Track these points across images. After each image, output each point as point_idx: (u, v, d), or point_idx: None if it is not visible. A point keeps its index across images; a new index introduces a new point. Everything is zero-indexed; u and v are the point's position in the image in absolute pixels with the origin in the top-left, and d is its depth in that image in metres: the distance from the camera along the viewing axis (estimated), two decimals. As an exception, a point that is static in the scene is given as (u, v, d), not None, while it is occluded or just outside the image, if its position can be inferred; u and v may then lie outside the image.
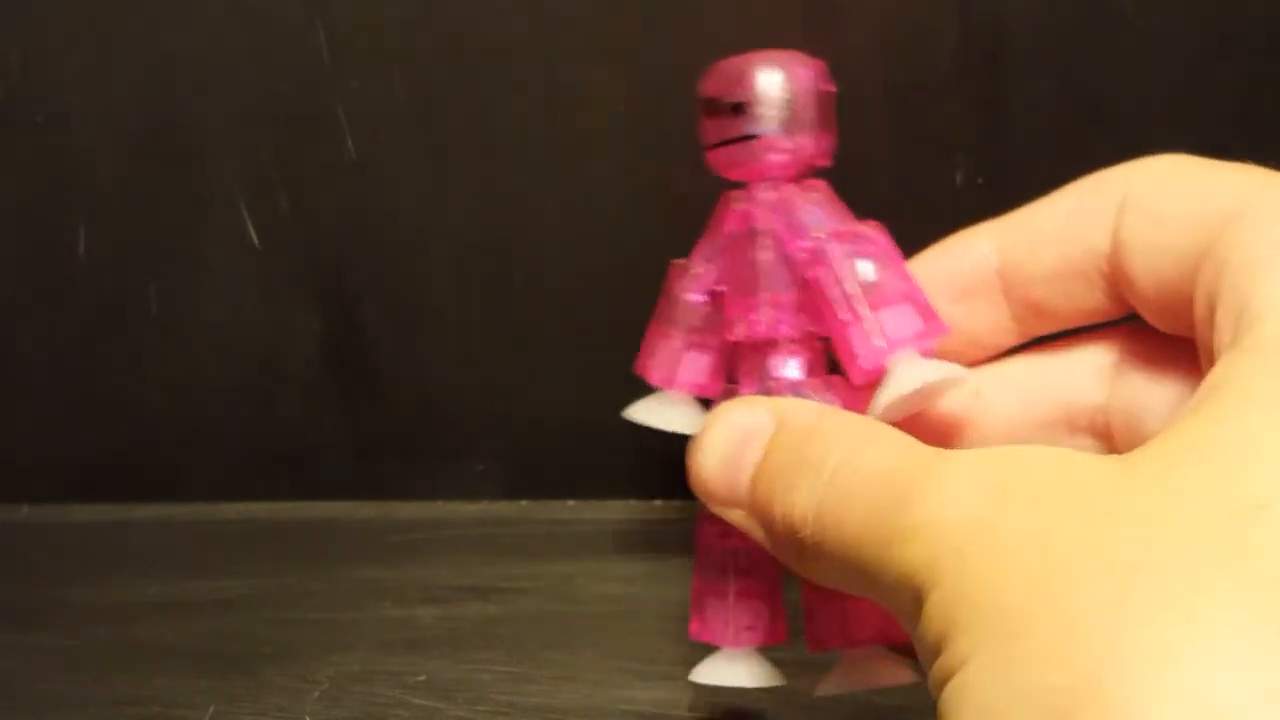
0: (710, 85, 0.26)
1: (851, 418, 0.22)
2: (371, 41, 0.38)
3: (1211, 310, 0.20)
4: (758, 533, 0.22)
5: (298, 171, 0.41)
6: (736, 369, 0.26)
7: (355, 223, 0.41)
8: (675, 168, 0.37)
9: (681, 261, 0.27)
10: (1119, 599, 0.15)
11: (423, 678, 0.34)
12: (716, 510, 0.23)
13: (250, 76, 0.39)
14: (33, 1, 0.40)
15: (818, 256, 0.25)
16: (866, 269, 0.24)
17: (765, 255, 0.25)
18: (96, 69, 0.41)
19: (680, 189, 0.37)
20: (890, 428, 0.21)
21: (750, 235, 0.26)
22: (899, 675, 0.25)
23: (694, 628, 0.26)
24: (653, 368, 0.27)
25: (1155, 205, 0.22)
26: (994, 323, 0.25)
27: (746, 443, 0.22)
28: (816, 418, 0.22)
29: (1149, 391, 0.24)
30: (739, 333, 0.26)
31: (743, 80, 0.25)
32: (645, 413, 0.27)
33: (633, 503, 0.43)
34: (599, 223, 0.39)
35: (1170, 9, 0.33)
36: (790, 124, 0.25)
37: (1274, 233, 0.19)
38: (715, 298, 0.27)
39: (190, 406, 0.45)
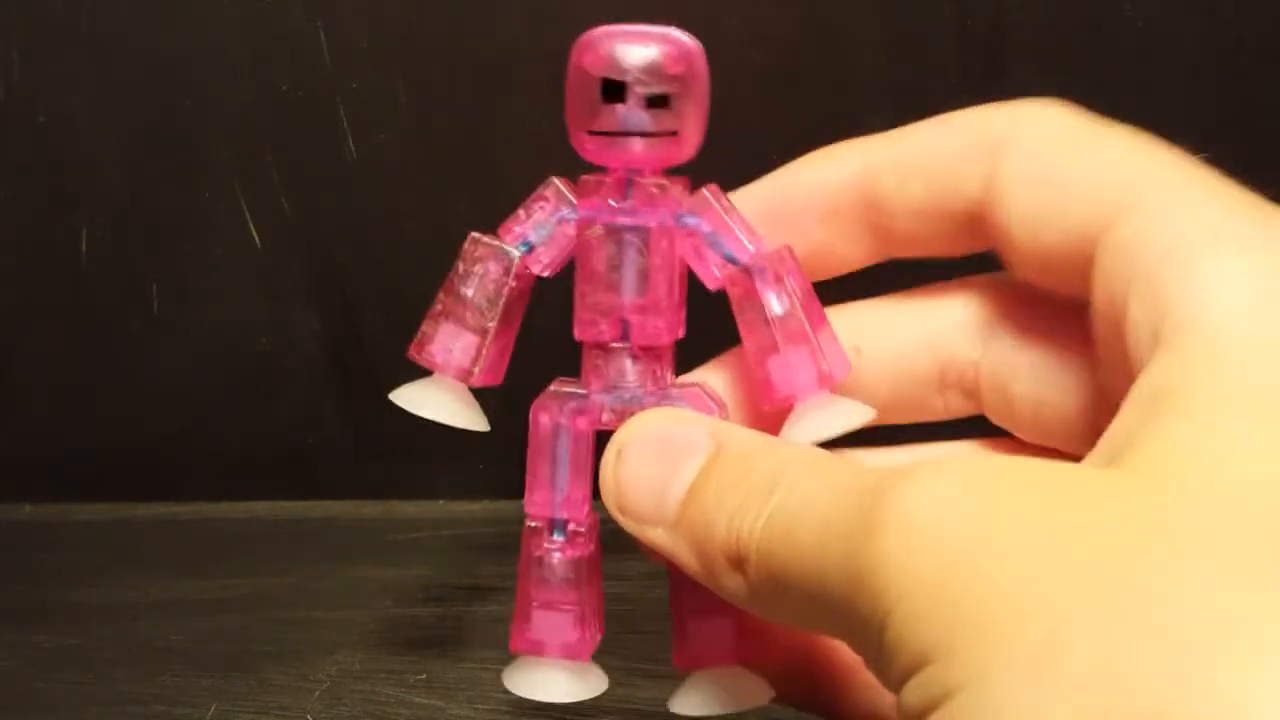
0: (589, 58, 0.22)
1: (795, 446, 0.21)
2: (371, 41, 0.38)
3: (1113, 300, 0.19)
4: (683, 555, 0.21)
5: (298, 171, 0.41)
6: (581, 367, 0.24)
7: (355, 223, 0.41)
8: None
9: (484, 236, 0.25)
10: (1188, 606, 0.14)
11: (423, 676, 0.34)
12: (628, 527, 0.22)
13: (251, 77, 0.39)
14: (33, 1, 0.40)
15: (744, 276, 0.23)
16: (794, 294, 0.23)
17: (646, 257, 0.23)
18: (96, 69, 0.41)
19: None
20: (833, 454, 0.20)
21: (625, 230, 0.23)
22: (761, 694, 0.24)
23: (516, 639, 0.24)
24: (436, 351, 0.24)
25: (1043, 168, 0.21)
26: (854, 244, 0.24)
27: (678, 461, 0.21)
28: (760, 443, 0.21)
29: (1019, 353, 0.23)
30: (596, 333, 0.24)
31: (629, 56, 0.22)
32: (421, 400, 0.24)
33: (633, 502, 0.43)
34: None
35: (1170, 9, 0.33)
36: (680, 110, 0.22)
37: (1186, 223, 0.19)
38: (523, 282, 0.25)
39: (191, 406, 0.45)
